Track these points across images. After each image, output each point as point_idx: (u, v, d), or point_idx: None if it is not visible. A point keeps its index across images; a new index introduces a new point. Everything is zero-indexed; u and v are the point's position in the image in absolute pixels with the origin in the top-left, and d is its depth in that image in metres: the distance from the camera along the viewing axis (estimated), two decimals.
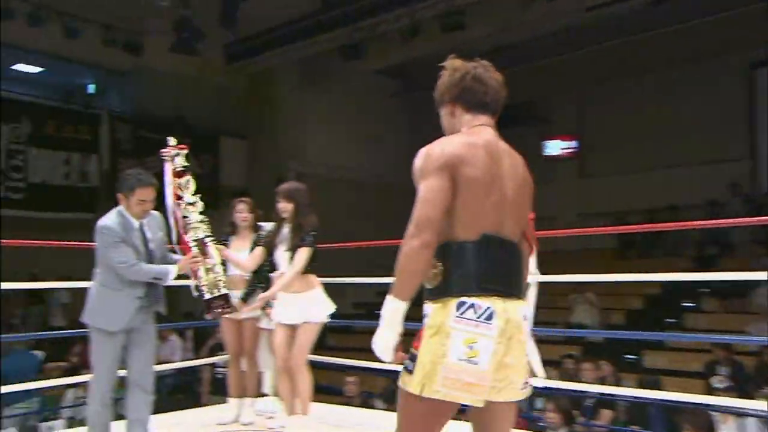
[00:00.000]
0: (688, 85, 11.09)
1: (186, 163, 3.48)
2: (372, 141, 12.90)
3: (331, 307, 3.59)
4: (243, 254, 3.81)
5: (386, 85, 13.09)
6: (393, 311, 1.67)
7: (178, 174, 3.44)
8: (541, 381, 3.44)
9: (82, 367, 7.78)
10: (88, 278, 3.24)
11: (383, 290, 1.73)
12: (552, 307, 9.01)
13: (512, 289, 1.70)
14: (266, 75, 11.85)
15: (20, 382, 4.26)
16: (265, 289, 3.70)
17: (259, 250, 3.71)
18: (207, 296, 3.27)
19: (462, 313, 1.62)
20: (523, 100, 11.82)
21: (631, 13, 9.01)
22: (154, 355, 3.24)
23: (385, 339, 1.67)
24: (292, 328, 3.51)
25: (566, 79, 11.83)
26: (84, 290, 3.23)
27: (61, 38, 9.63)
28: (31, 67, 11.56)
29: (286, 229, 3.59)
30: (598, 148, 12.38)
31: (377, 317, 1.72)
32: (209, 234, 3.36)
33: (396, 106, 13.36)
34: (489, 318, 1.61)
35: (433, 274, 1.67)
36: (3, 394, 3.93)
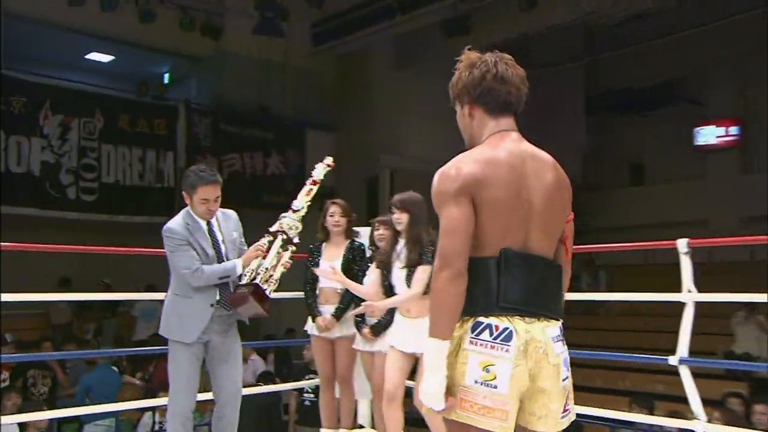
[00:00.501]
0: None
1: (320, 177, 3.70)
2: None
3: None
4: (337, 263, 3.83)
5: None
6: (436, 353, 1.74)
7: (314, 182, 3.66)
8: (702, 425, 3.22)
9: (160, 388, 8.20)
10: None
11: None
12: (710, 332, 8.78)
13: (538, 308, 1.79)
14: (357, 58, 12.03)
15: (104, 399, 4.52)
16: (359, 304, 3.72)
17: (376, 273, 3.75)
18: (243, 280, 3.30)
19: (477, 334, 1.75)
20: (667, 78, 11.43)
21: None
22: (239, 371, 3.32)
23: (433, 385, 1.73)
24: (406, 356, 3.54)
25: (723, 51, 11.40)
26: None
27: (135, 23, 10.16)
28: (103, 55, 12.25)
29: (401, 244, 3.61)
30: (765, 136, 11.77)
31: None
32: (288, 237, 3.41)
33: None
34: (507, 339, 1.72)
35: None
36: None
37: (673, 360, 3.45)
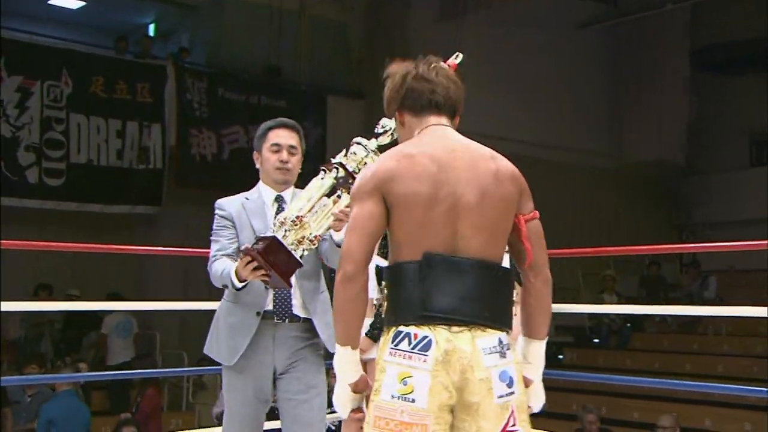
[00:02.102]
0: None
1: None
2: (551, 100, 12.88)
3: None
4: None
5: (575, 10, 13.04)
6: (338, 359, 2.12)
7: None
8: None
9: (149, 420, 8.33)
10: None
11: None
12: None
13: (468, 316, 2.02)
14: (392, 6, 12.17)
15: None
16: None
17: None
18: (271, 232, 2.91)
19: (396, 344, 2.02)
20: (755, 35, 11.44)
21: None
22: (318, 415, 3.21)
23: (339, 394, 2.12)
24: None
25: None
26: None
27: None
28: (71, 1, 12.44)
29: None
30: None
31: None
32: (348, 172, 3.03)
33: (591, 44, 13.10)
34: (425, 348, 1.97)
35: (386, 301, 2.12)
36: None
37: None
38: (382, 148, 2.98)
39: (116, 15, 12.52)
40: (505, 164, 2.20)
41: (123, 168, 11.06)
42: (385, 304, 2.16)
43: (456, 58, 3.31)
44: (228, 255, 3.17)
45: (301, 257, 2.88)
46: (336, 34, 12.45)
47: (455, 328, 2.01)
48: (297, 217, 2.89)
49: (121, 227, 11.20)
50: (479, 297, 2.05)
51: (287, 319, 3.16)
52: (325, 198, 2.99)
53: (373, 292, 3.87)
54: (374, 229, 2.08)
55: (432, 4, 12.24)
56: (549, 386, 2.37)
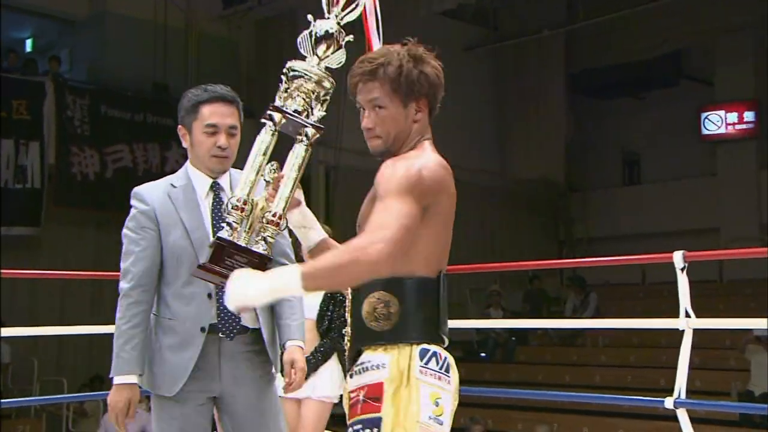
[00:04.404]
0: None
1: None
2: (439, 119, 13.01)
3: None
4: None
5: (461, 33, 13.46)
6: (285, 290, 1.93)
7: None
8: None
9: None
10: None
11: None
12: (725, 368, 9.35)
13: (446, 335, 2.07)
14: (281, 25, 12.29)
15: None
16: None
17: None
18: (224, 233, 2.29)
19: (426, 363, 1.96)
20: (669, 51, 12.03)
21: None
22: None
23: (254, 290, 1.86)
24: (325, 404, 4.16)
25: (736, 17, 12.06)
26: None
27: None
28: None
29: None
30: None
31: None
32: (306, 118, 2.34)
33: (477, 66, 13.55)
34: (447, 370, 1.98)
35: (386, 314, 1.98)
36: None
37: (669, 403, 3.56)
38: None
39: None
40: None
41: None
42: (393, 316, 1.99)
43: None
44: (145, 290, 2.68)
45: (266, 250, 2.24)
46: (225, 53, 12.55)
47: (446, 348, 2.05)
48: (239, 200, 2.25)
49: None
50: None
51: (235, 333, 2.70)
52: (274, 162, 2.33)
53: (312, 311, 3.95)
54: (412, 230, 1.93)
55: None
56: None
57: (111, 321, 2.75)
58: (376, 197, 1.96)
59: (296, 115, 2.30)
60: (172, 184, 2.71)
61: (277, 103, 2.29)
